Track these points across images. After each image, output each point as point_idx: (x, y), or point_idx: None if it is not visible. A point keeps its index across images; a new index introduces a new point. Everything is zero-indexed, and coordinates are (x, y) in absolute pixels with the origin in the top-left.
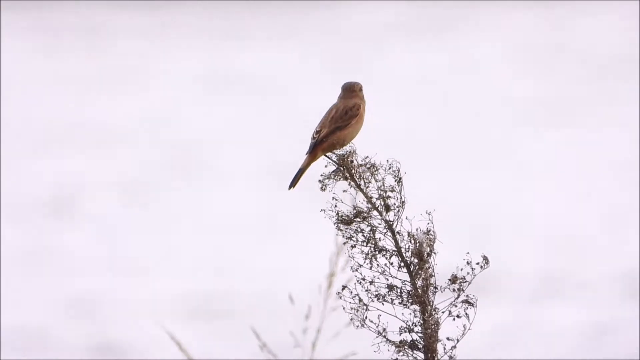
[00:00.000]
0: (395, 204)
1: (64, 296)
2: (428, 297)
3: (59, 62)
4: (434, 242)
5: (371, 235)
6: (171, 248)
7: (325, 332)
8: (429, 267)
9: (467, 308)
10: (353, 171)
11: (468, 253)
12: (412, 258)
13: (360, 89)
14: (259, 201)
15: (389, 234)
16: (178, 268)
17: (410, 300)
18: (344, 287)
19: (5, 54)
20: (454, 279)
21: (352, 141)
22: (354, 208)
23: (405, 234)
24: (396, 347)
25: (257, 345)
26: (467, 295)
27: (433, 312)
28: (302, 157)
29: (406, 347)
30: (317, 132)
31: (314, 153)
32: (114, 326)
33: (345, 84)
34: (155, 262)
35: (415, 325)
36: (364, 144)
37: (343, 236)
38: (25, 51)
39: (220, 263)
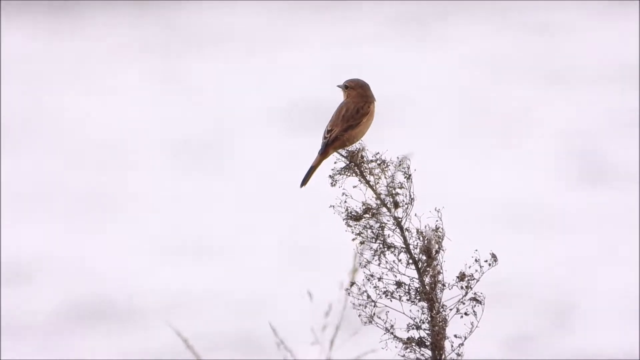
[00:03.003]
0: (404, 200)
1: None
2: (436, 294)
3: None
4: (442, 239)
5: (380, 231)
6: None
7: (345, 329)
8: (437, 264)
9: (475, 306)
10: (363, 168)
11: (476, 251)
12: (421, 255)
13: (368, 87)
14: (276, 194)
15: (398, 230)
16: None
17: (418, 297)
18: (352, 284)
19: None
20: (462, 277)
21: (362, 138)
22: (363, 204)
23: (414, 231)
24: (404, 343)
25: (274, 342)
26: (475, 293)
27: (441, 310)
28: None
29: (414, 344)
30: (329, 131)
31: (325, 152)
32: None
33: (352, 80)
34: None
35: (423, 322)
36: (374, 139)
37: (352, 232)
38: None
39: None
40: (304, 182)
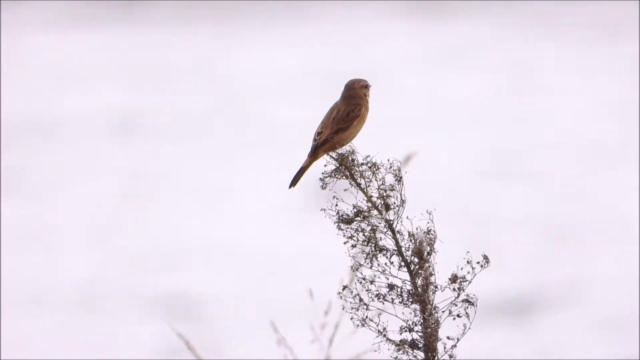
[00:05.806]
0: (395, 203)
1: None
2: (428, 296)
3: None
4: (434, 242)
5: (372, 234)
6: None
7: (345, 328)
8: (429, 266)
9: (467, 307)
10: (353, 170)
11: (468, 252)
12: (413, 257)
13: (365, 87)
14: (279, 192)
15: (390, 233)
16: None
17: (410, 300)
18: (344, 287)
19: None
20: (454, 278)
21: (352, 140)
22: (354, 207)
23: (406, 233)
24: (396, 346)
25: (274, 340)
26: (468, 295)
27: (433, 312)
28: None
29: (406, 346)
30: (319, 133)
31: (315, 154)
32: None
33: (349, 81)
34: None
35: (416, 325)
36: (366, 141)
37: (344, 236)
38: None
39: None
40: (293, 183)
